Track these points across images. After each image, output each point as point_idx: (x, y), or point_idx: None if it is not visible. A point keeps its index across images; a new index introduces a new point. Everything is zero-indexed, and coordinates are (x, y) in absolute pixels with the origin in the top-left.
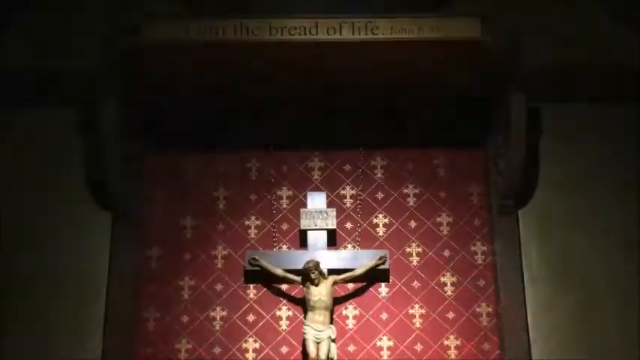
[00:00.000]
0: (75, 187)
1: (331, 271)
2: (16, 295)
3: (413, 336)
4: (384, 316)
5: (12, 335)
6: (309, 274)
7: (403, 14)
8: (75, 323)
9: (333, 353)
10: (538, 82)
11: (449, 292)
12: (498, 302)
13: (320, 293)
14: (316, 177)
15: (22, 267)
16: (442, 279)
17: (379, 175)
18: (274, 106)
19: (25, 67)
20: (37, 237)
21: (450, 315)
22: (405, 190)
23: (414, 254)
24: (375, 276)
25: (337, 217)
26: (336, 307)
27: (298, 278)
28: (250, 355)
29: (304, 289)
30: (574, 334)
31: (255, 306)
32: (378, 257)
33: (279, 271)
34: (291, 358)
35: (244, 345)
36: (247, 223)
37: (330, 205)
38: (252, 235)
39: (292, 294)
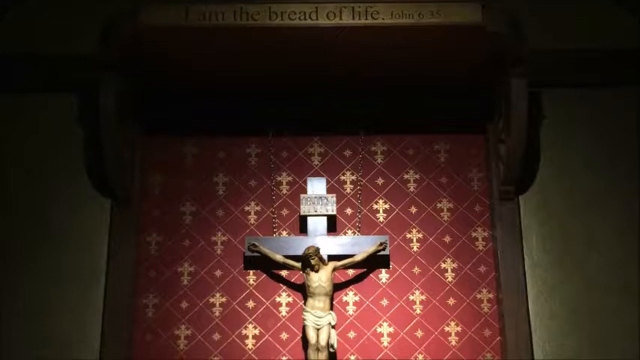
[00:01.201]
0: (74, 172)
1: (331, 257)
2: (13, 282)
3: (413, 322)
4: (385, 302)
5: (10, 320)
6: (309, 260)
7: None
8: (73, 309)
9: (334, 339)
10: (539, 67)
11: (449, 279)
12: (499, 288)
13: (320, 279)
14: (316, 163)
15: (19, 253)
16: (443, 265)
17: (379, 160)
18: (273, 91)
19: (23, 52)
20: (35, 223)
21: (451, 301)
22: (406, 176)
23: (414, 240)
24: (375, 262)
25: (337, 202)
26: (336, 294)
27: (298, 264)
28: (250, 341)
29: (304, 275)
30: (575, 319)
31: (255, 292)
32: (378, 243)
33: (279, 257)
34: (291, 344)
35: (244, 331)
36: (247, 209)
37: (330, 190)
38: (252, 221)
39: (292, 280)
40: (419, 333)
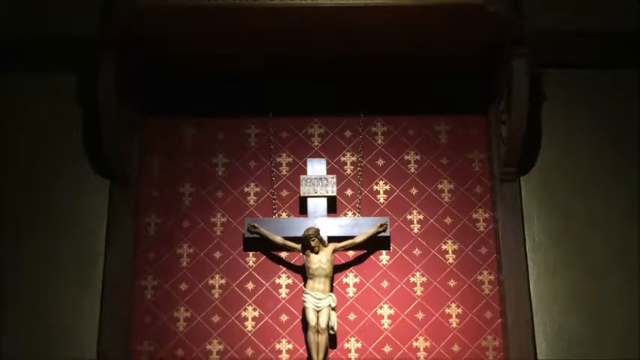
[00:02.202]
0: (73, 154)
1: (331, 239)
2: (12, 264)
3: (414, 304)
4: (385, 284)
5: (9, 303)
6: (309, 242)
7: None
8: (72, 291)
9: (334, 321)
10: (540, 48)
11: (450, 260)
12: (500, 270)
13: (320, 261)
14: (316, 143)
15: (18, 234)
16: (443, 247)
17: (380, 141)
18: (273, 72)
19: (22, 33)
20: (34, 205)
21: (452, 283)
22: (406, 157)
23: (415, 221)
24: (375, 243)
25: (337, 184)
26: (336, 275)
27: (298, 246)
28: (249, 323)
29: (304, 256)
30: (576, 301)
31: (255, 274)
32: (378, 224)
33: (279, 239)
34: (291, 326)
35: (243, 313)
36: (246, 190)
37: (330, 171)
38: (252, 203)
39: (292, 262)
40: (419, 315)
